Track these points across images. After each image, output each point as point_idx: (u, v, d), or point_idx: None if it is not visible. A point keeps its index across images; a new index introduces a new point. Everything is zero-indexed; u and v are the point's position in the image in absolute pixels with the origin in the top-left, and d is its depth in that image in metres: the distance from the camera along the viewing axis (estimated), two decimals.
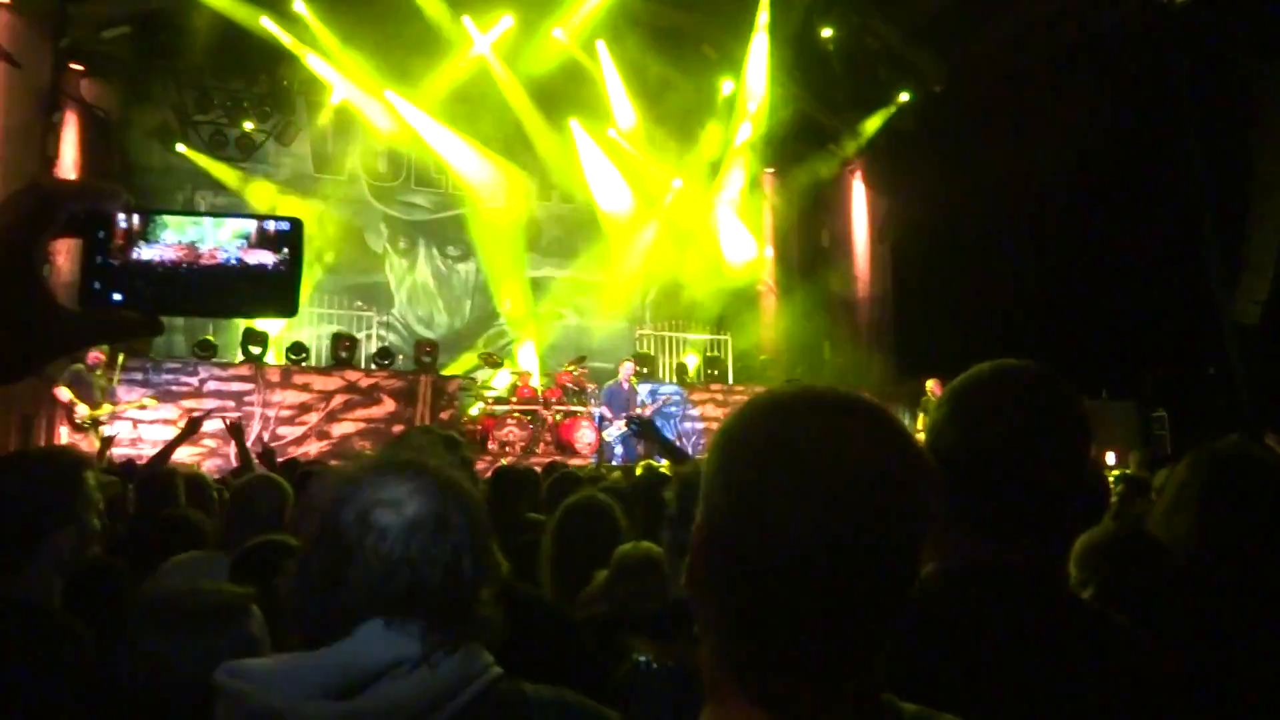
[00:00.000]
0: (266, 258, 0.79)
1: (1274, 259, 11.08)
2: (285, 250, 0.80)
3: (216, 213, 0.80)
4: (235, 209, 13.08)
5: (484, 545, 1.20)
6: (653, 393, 13.24)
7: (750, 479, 0.82)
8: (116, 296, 0.76)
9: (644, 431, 6.06)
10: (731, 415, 0.89)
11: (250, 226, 0.81)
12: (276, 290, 0.80)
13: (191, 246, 0.79)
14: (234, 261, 0.80)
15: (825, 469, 0.80)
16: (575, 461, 11.18)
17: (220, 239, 0.81)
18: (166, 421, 10.75)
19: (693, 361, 14.84)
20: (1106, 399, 13.15)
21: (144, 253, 0.77)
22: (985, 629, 1.20)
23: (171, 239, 0.79)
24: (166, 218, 0.79)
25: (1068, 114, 11.91)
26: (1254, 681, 1.78)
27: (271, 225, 0.81)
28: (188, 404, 11.14)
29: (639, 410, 12.42)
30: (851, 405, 0.86)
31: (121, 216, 0.77)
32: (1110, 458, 12.06)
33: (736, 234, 16.12)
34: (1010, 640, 1.19)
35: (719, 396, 13.93)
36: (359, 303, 14.36)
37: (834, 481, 0.80)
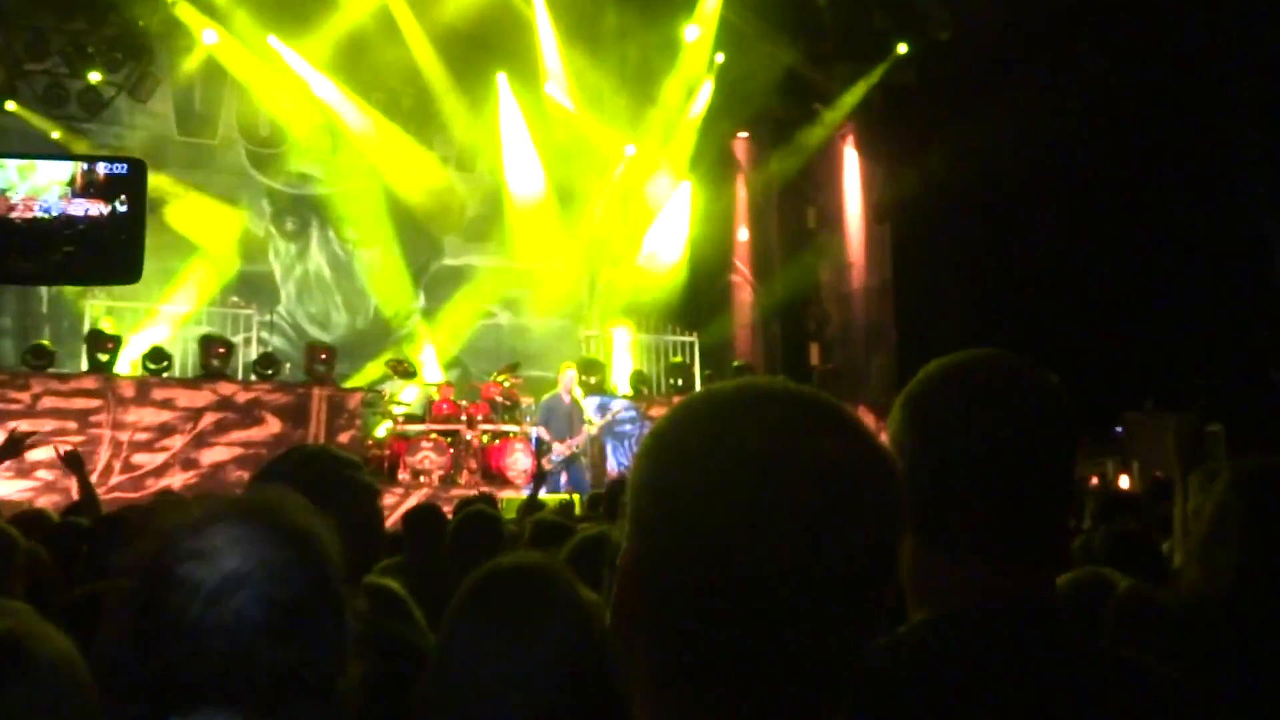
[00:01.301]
0: (98, 209, 0.76)
1: None
2: (123, 199, 0.77)
3: (30, 154, 0.75)
4: None
5: (335, 604, 1.18)
6: (601, 407, 13.19)
7: (686, 486, 0.84)
8: None
9: None
10: (663, 417, 0.91)
11: (75, 170, 0.78)
12: (113, 250, 0.76)
13: (0, 196, 0.76)
14: (55, 214, 0.76)
15: (771, 470, 0.83)
16: (508, 493, 11.12)
17: (36, 185, 0.77)
18: None
19: (677, 372, 14.84)
20: (1151, 409, 13.32)
21: None
22: (987, 685, 1.20)
23: None
24: None
25: (1098, 66, 12.06)
26: None
27: (103, 168, 0.78)
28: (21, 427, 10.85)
29: (585, 429, 12.36)
30: (800, 398, 0.88)
31: None
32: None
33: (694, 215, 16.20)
34: (1020, 698, 1.19)
35: None
36: (235, 298, 14.16)
37: (783, 484, 0.82)
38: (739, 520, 0.82)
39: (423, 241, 15.95)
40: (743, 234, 16.92)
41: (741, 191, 16.97)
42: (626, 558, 0.88)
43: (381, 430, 12.76)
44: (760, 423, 0.85)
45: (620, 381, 15.10)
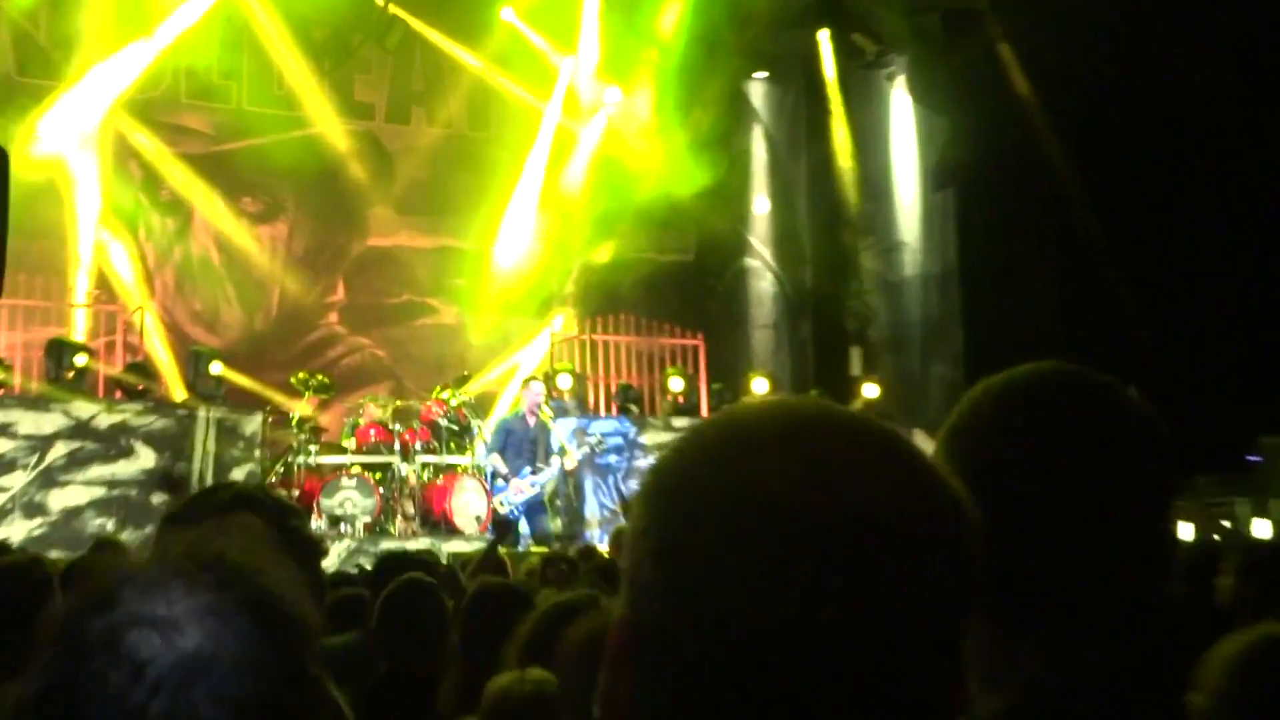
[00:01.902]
0: None
1: None
2: None
3: None
4: None
5: (312, 701, 1.20)
6: (578, 432, 13.08)
7: (695, 541, 0.86)
8: None
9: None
10: (668, 449, 0.93)
11: None
12: None
13: None
14: None
15: (804, 523, 0.84)
16: (455, 545, 11.01)
17: None
18: None
19: (677, 385, 14.79)
20: None
21: None
22: None
23: None
24: None
25: None
26: None
27: None
28: None
29: (556, 460, 12.25)
30: (845, 427, 0.90)
31: None
32: None
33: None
34: None
35: None
36: (94, 290, 14.03)
37: (821, 539, 0.83)
38: (762, 588, 0.83)
39: (342, 215, 15.86)
40: (761, 205, 16.89)
41: (760, 149, 16.95)
42: (619, 632, 0.91)
43: (290, 464, 12.65)
44: (791, 460, 0.87)
45: (603, 398, 15.07)
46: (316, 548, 2.23)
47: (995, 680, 1.30)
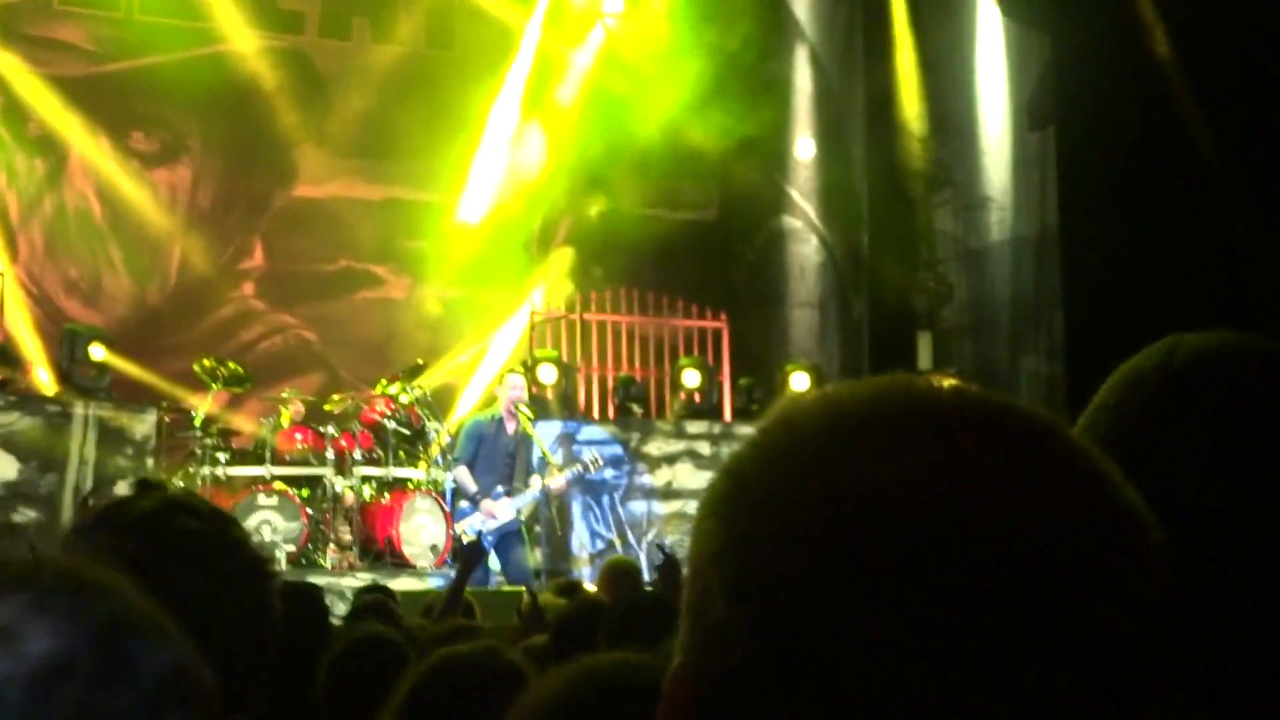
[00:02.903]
0: None
1: None
2: None
3: None
4: None
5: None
6: (566, 440, 13.24)
7: (789, 568, 0.82)
8: None
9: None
10: (746, 446, 0.91)
11: None
12: None
13: None
14: None
15: (944, 543, 0.81)
16: (405, 583, 11.10)
17: None
18: None
19: (692, 380, 14.79)
20: None
21: None
22: None
23: None
24: None
25: None
26: None
27: None
28: None
29: (538, 478, 12.24)
30: (993, 417, 0.87)
31: None
32: None
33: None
34: None
35: (704, 447, 13.93)
36: None
37: (965, 569, 0.80)
38: (884, 635, 0.80)
39: (261, 157, 16.02)
40: (805, 147, 16.88)
41: (803, 76, 16.93)
42: (678, 688, 0.88)
43: (195, 474, 12.64)
44: (921, 461, 0.83)
45: (597, 395, 15.18)
46: (265, 566, 2.25)
47: None
